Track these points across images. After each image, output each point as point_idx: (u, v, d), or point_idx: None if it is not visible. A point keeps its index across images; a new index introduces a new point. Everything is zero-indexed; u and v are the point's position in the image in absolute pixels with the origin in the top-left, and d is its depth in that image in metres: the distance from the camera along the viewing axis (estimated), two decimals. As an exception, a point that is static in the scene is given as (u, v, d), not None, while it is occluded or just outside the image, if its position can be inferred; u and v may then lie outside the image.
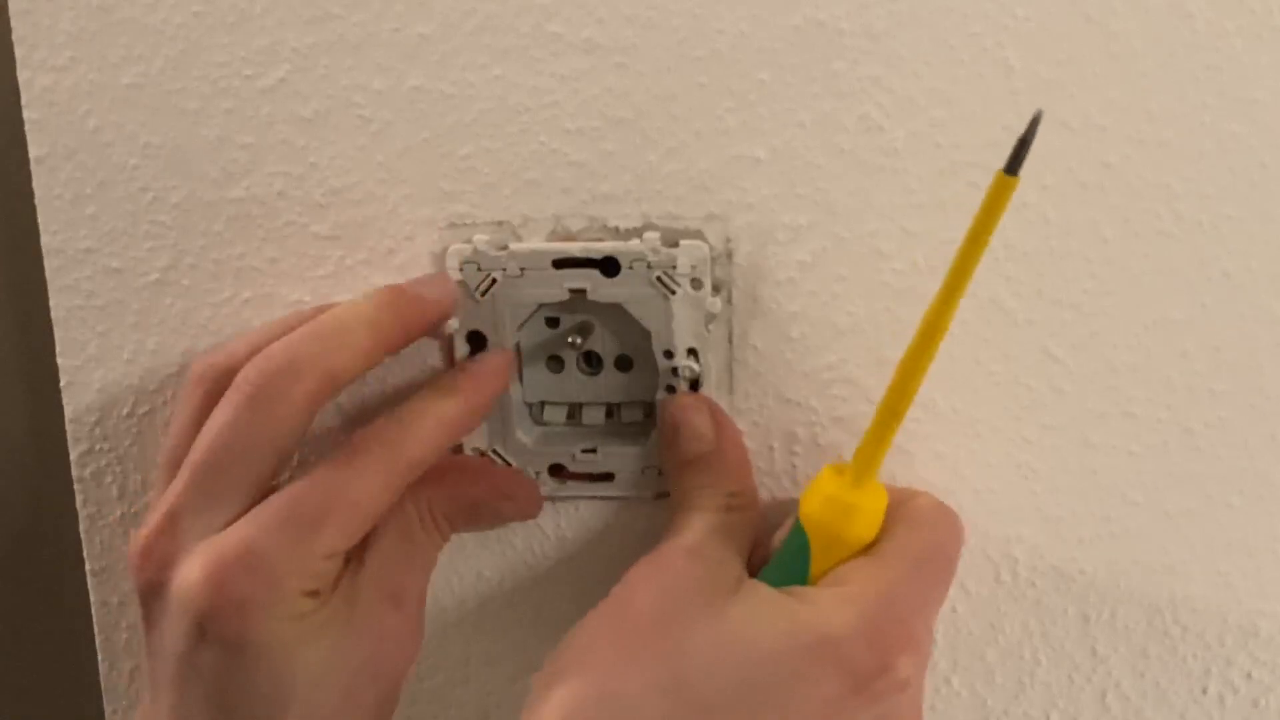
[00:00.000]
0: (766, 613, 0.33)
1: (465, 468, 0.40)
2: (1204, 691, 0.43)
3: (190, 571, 0.33)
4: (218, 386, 0.36)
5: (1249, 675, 0.42)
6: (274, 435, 0.34)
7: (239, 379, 0.34)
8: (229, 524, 0.34)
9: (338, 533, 0.34)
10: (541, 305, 0.39)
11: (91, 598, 0.44)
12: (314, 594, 0.34)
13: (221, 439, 0.34)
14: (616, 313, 0.39)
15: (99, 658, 0.45)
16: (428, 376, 0.41)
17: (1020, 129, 0.30)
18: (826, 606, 0.33)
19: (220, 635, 0.33)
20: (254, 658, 0.33)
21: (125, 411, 0.42)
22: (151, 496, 0.39)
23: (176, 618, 0.34)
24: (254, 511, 0.34)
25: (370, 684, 0.36)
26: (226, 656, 0.33)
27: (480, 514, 0.40)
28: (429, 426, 0.36)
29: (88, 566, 0.44)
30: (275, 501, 0.34)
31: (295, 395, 0.34)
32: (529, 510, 0.41)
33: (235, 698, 0.34)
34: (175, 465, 0.36)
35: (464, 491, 0.39)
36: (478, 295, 0.39)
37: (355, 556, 0.36)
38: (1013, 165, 0.31)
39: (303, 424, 0.34)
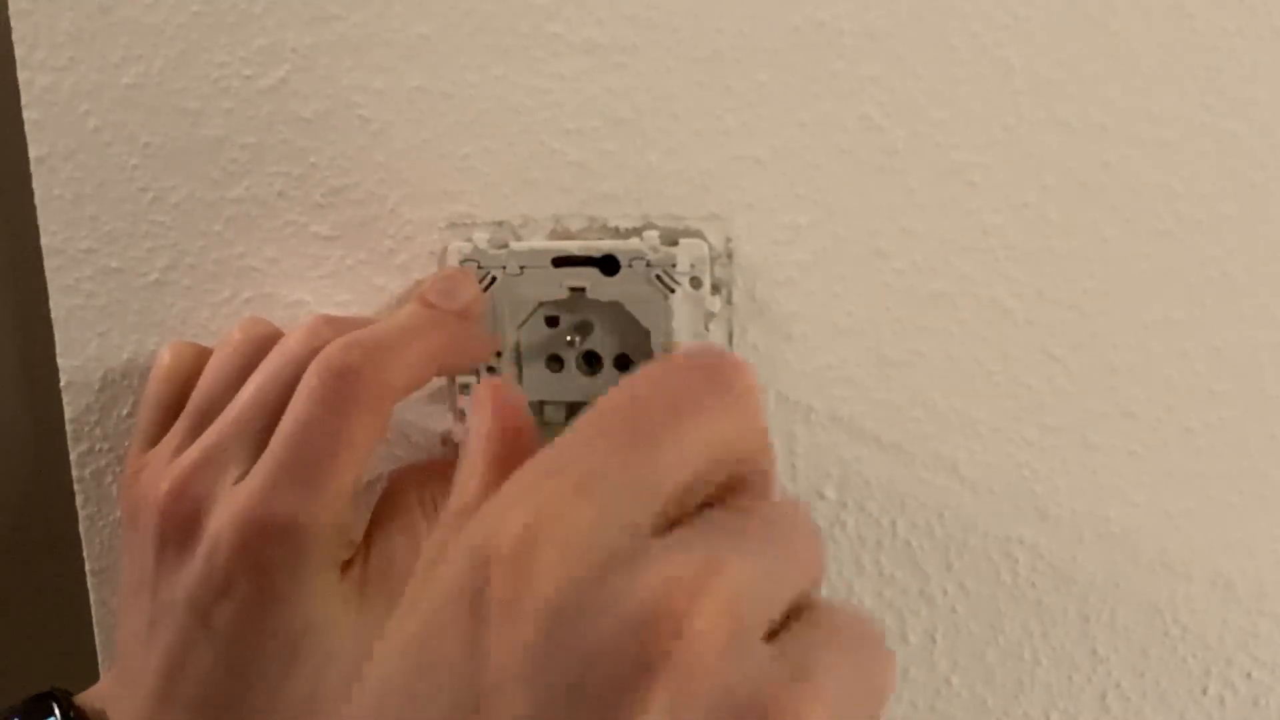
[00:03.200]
0: None
1: (455, 464, 0.40)
2: (1204, 691, 0.43)
3: (222, 531, 0.33)
4: (260, 350, 0.36)
5: (1249, 675, 0.42)
6: (348, 419, 0.34)
7: (330, 352, 0.34)
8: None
9: (348, 473, 0.34)
10: (541, 304, 0.39)
11: (91, 597, 0.44)
12: (343, 553, 0.34)
13: (274, 388, 0.34)
14: (616, 311, 0.39)
15: (99, 657, 0.45)
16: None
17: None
18: None
19: (246, 593, 0.33)
20: (276, 619, 0.33)
21: (125, 411, 0.42)
22: (136, 439, 0.38)
23: (200, 568, 0.33)
24: (264, 461, 0.34)
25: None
26: (248, 615, 0.33)
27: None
28: (419, 354, 0.35)
29: (88, 566, 0.44)
30: (282, 449, 0.33)
31: (378, 385, 0.34)
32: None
33: (247, 659, 0.33)
34: (204, 415, 0.36)
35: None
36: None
37: (361, 549, 0.36)
38: None
39: (378, 425, 0.34)
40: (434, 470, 0.38)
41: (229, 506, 0.33)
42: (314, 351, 0.35)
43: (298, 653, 0.34)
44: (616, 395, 0.25)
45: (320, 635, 0.34)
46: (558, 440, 0.24)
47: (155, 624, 0.35)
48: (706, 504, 0.25)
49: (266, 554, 0.33)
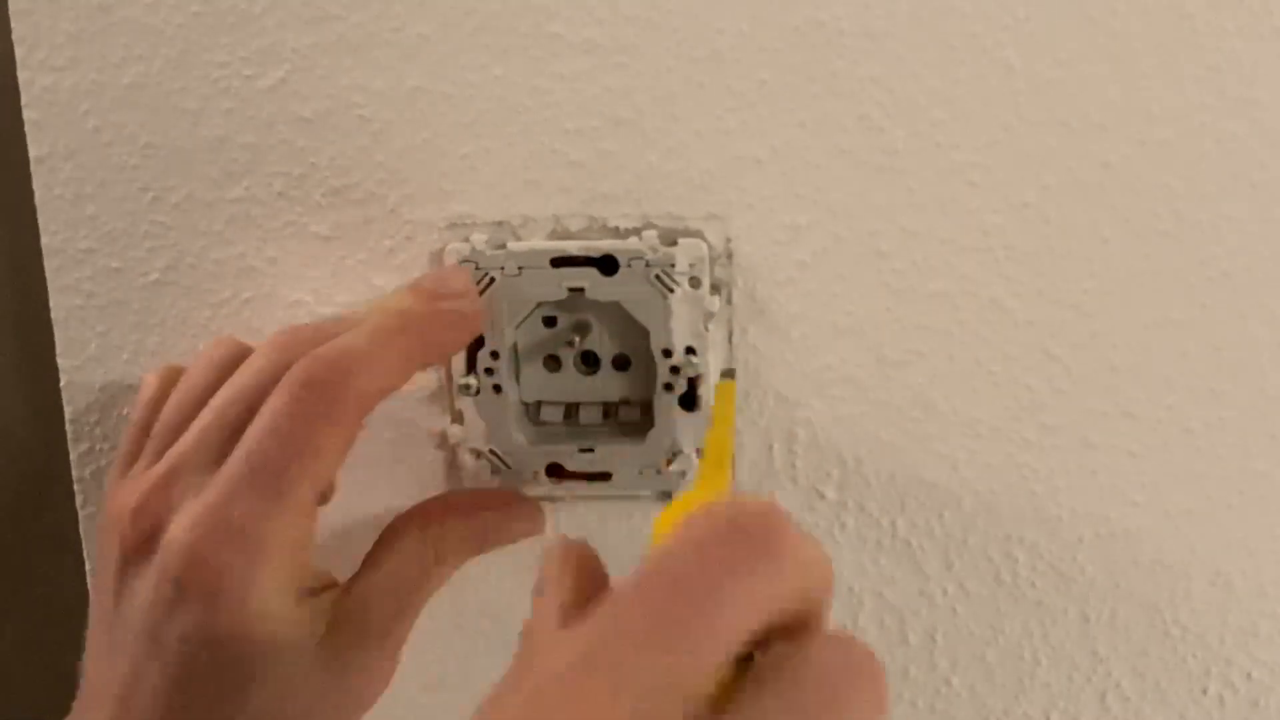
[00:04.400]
0: None
1: (467, 497, 0.40)
2: (1204, 691, 0.43)
3: (175, 536, 0.32)
4: (227, 369, 0.36)
5: (1249, 675, 0.42)
6: (316, 430, 0.33)
7: (298, 366, 0.33)
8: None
9: (308, 482, 0.33)
10: (540, 304, 0.39)
11: (91, 598, 0.44)
12: (301, 566, 0.33)
13: (239, 403, 0.34)
14: (615, 311, 0.39)
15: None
16: (425, 376, 0.41)
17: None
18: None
19: (199, 602, 0.32)
20: (228, 631, 0.32)
21: (125, 411, 0.42)
22: (115, 464, 0.38)
23: (154, 580, 0.33)
24: (225, 468, 0.33)
25: (333, 707, 0.35)
26: (200, 627, 0.32)
27: (491, 539, 0.40)
28: (392, 354, 0.35)
29: (88, 566, 0.44)
30: (242, 458, 0.33)
31: (346, 397, 0.33)
32: (538, 524, 0.41)
33: (200, 675, 0.33)
34: (172, 433, 0.36)
35: (474, 522, 0.39)
36: (478, 293, 0.39)
37: (348, 586, 0.36)
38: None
39: (345, 435, 0.34)
40: (437, 510, 0.38)
41: (185, 515, 0.33)
42: (278, 365, 0.34)
43: (253, 673, 0.33)
44: (655, 573, 0.24)
45: (279, 657, 0.33)
46: (599, 619, 0.24)
47: (114, 645, 0.34)
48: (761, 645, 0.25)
49: (219, 559, 0.32)
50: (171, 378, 0.39)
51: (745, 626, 0.24)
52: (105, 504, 0.36)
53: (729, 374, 0.39)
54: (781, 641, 0.25)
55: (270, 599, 0.33)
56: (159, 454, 0.36)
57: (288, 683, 0.33)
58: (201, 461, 0.34)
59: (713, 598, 0.24)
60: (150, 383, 0.39)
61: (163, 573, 0.33)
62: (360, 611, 0.36)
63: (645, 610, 0.24)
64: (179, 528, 0.33)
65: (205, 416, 0.35)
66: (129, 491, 0.35)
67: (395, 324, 0.35)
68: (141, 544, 0.34)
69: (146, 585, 0.33)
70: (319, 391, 0.33)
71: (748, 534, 0.25)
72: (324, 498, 0.36)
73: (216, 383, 0.36)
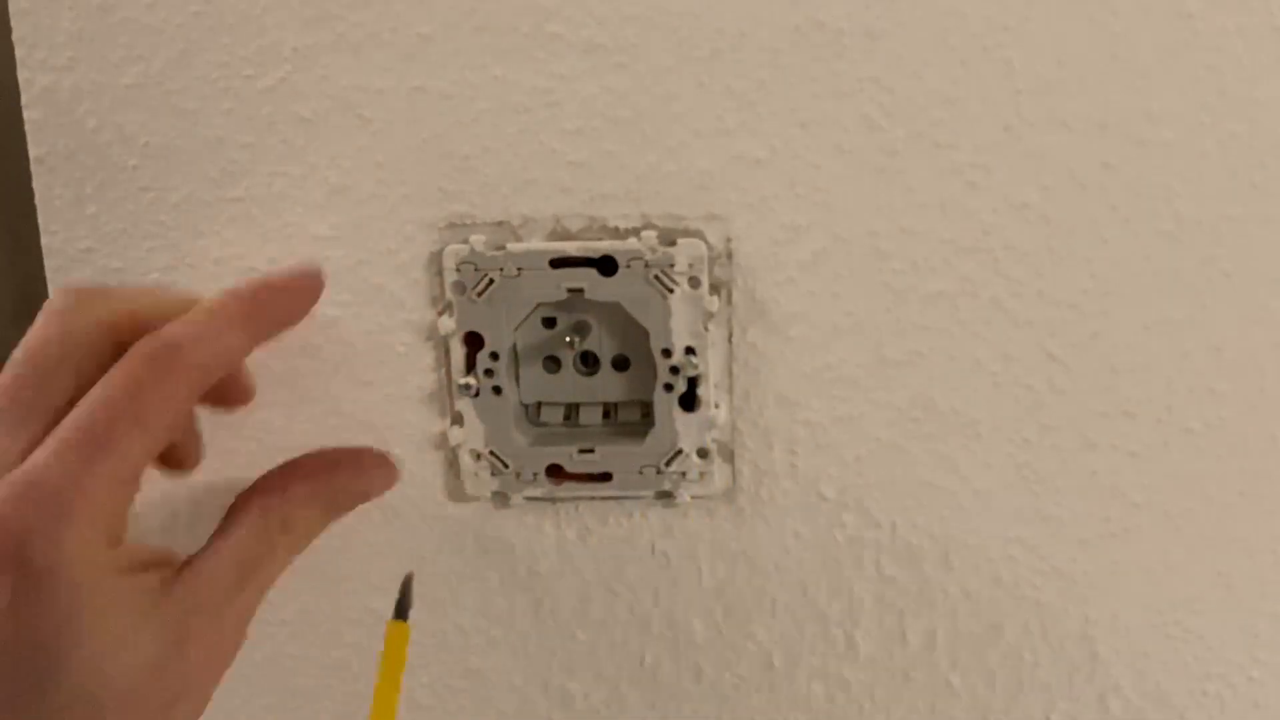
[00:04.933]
0: None
1: (321, 457, 0.38)
2: (1204, 692, 0.43)
3: None
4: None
5: (1249, 675, 0.42)
6: (147, 403, 0.33)
7: (135, 351, 0.33)
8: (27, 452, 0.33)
9: (127, 453, 0.32)
10: (539, 305, 0.39)
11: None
12: (112, 537, 0.33)
13: (30, 363, 0.33)
14: (614, 312, 0.39)
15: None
16: (424, 377, 0.41)
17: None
18: None
19: (8, 564, 0.31)
20: (40, 593, 0.31)
21: (125, 411, 0.42)
22: None
23: None
24: (48, 438, 0.32)
25: (165, 684, 0.33)
26: (14, 591, 0.31)
27: (342, 500, 0.38)
28: (223, 324, 0.34)
29: None
30: (64, 426, 0.32)
31: (176, 369, 0.33)
32: (390, 478, 0.39)
33: (17, 640, 0.31)
34: None
35: (319, 485, 0.37)
36: (474, 295, 0.39)
37: (189, 559, 0.35)
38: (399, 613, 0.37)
39: (172, 406, 0.33)
40: (280, 478, 0.37)
41: None
42: (67, 325, 0.34)
43: (69, 641, 0.31)
44: None
45: (96, 625, 0.32)
46: None
47: None
48: None
49: (24, 520, 0.31)
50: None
51: None
52: None
53: (400, 615, 0.38)
54: None
55: (79, 564, 0.32)
56: None
57: (111, 652, 0.32)
58: (5, 419, 0.33)
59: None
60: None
61: None
62: (198, 583, 0.34)
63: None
64: None
65: (6, 372, 0.34)
66: None
67: (226, 300, 0.35)
68: None
69: None
70: (149, 363, 0.33)
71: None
72: (179, 465, 0.37)
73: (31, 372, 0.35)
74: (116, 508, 0.33)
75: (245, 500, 0.37)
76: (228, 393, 0.38)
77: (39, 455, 0.32)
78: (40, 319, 0.34)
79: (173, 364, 0.33)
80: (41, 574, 0.31)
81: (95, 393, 0.33)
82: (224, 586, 0.35)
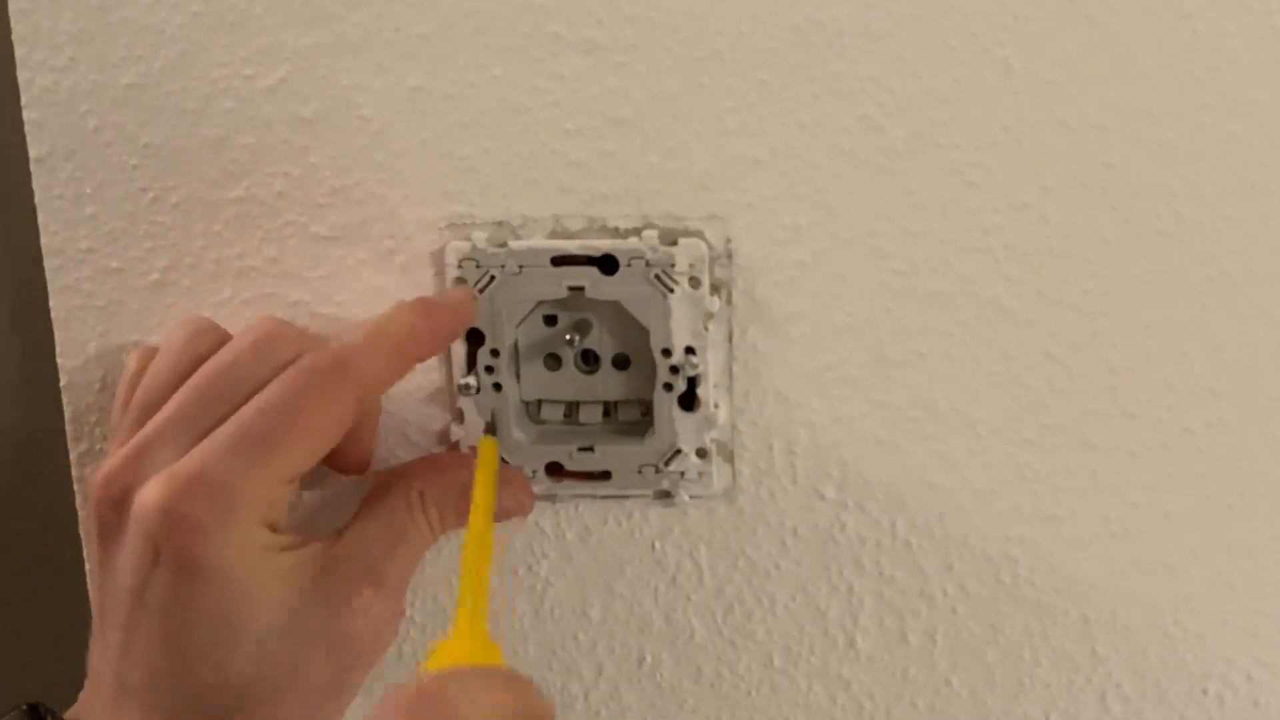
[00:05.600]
0: None
1: (456, 458, 0.40)
2: (1204, 692, 0.43)
3: (147, 495, 0.33)
4: (202, 348, 0.36)
5: (1249, 675, 0.42)
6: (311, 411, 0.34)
7: (305, 363, 0.35)
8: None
9: (292, 455, 0.34)
10: (540, 303, 0.39)
11: (91, 598, 0.44)
12: (272, 526, 0.34)
13: (218, 383, 0.35)
14: (615, 311, 0.39)
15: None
16: (427, 375, 0.41)
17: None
18: None
19: (174, 557, 0.32)
20: (205, 583, 0.33)
21: (125, 411, 0.42)
22: (109, 445, 0.39)
23: (131, 543, 0.33)
24: (209, 437, 0.34)
25: (331, 653, 0.35)
26: (178, 582, 0.33)
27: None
28: (386, 347, 0.36)
29: (88, 566, 0.44)
30: (229, 426, 0.34)
31: (344, 383, 0.35)
32: (523, 501, 0.40)
33: (184, 631, 0.33)
34: (145, 412, 0.36)
35: (455, 477, 0.38)
36: (476, 292, 0.39)
37: (336, 535, 0.36)
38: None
39: (337, 420, 0.35)
40: (424, 467, 0.38)
41: (156, 478, 0.33)
42: (261, 350, 0.35)
43: (233, 625, 0.33)
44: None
45: (258, 608, 0.33)
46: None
47: (104, 618, 0.34)
48: None
49: (191, 513, 0.32)
50: (152, 358, 0.39)
51: None
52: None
53: (490, 429, 0.40)
54: None
55: (247, 552, 0.33)
56: (134, 431, 0.36)
57: (276, 628, 0.34)
58: (175, 434, 0.34)
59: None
60: (131, 363, 0.39)
61: (136, 533, 0.33)
62: (350, 554, 0.36)
63: None
64: (149, 488, 0.33)
65: (182, 393, 0.35)
66: (101, 468, 0.35)
67: (391, 322, 0.37)
68: (115, 512, 0.34)
69: (125, 551, 0.33)
70: (317, 376, 0.34)
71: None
72: (348, 467, 0.38)
73: (190, 361, 0.36)
74: (277, 503, 0.34)
75: (388, 478, 0.39)
76: (349, 460, 0.38)
77: (203, 452, 0.33)
78: (237, 341, 0.36)
79: (337, 378, 0.35)
80: (209, 561, 0.33)
81: (261, 398, 0.34)
82: (377, 556, 0.36)
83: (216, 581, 0.33)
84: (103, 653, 0.35)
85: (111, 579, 0.34)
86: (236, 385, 0.34)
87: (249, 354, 0.35)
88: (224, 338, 0.37)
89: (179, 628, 0.33)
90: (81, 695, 0.35)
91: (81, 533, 0.44)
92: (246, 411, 0.34)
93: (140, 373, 0.38)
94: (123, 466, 0.34)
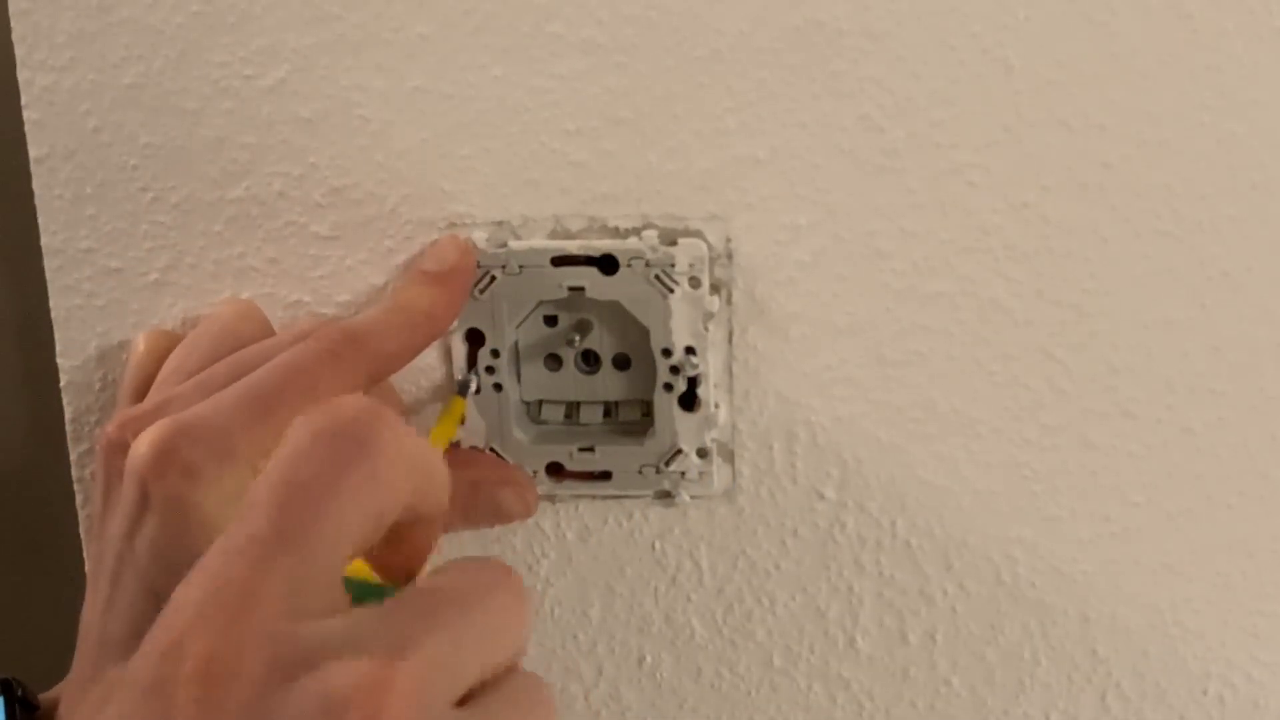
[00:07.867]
0: None
1: (461, 455, 0.40)
2: (1204, 692, 0.43)
3: (143, 436, 0.32)
4: (235, 338, 0.37)
5: (1249, 675, 0.42)
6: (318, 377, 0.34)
7: (320, 332, 0.35)
8: None
9: (290, 417, 0.33)
10: (540, 303, 0.39)
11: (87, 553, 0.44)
12: None
13: (241, 369, 0.34)
14: (615, 311, 0.39)
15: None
16: (427, 375, 0.41)
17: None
18: None
19: (163, 500, 0.31)
20: (192, 530, 0.31)
21: (125, 411, 0.42)
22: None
23: (125, 488, 0.32)
24: (215, 394, 0.33)
25: None
26: (165, 527, 0.31)
27: (477, 503, 0.39)
28: (399, 323, 0.36)
29: (88, 566, 0.44)
30: (237, 384, 0.33)
31: (358, 352, 0.35)
32: (527, 501, 0.40)
33: (167, 580, 0.30)
34: (178, 372, 0.36)
35: (460, 475, 0.38)
36: (476, 293, 0.39)
37: None
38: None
39: (343, 384, 0.34)
40: None
41: (160, 421, 0.32)
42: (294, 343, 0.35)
43: None
44: (263, 489, 0.25)
45: None
46: (221, 542, 0.25)
47: (96, 571, 0.33)
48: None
49: (185, 454, 0.31)
50: (162, 342, 0.39)
51: (350, 524, 0.24)
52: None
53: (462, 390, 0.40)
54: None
55: (236, 498, 0.31)
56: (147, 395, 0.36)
57: None
58: (197, 396, 0.34)
59: (312, 499, 0.24)
60: (139, 345, 0.39)
61: (130, 475, 0.32)
62: None
63: (260, 515, 0.24)
64: (146, 431, 0.32)
65: (204, 375, 0.35)
66: (115, 417, 0.34)
67: (400, 298, 0.37)
68: (115, 461, 0.33)
69: (120, 501, 0.33)
70: (329, 342, 0.35)
71: (344, 436, 0.25)
72: None
73: (232, 342, 0.36)
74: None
75: None
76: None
77: (206, 405, 0.33)
78: (283, 335, 0.36)
79: (349, 350, 0.35)
80: (194, 514, 0.31)
81: (271, 363, 0.34)
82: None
83: (204, 530, 0.31)
84: (90, 609, 0.33)
85: (107, 528, 0.33)
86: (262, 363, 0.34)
87: (279, 347, 0.35)
88: (267, 328, 0.38)
89: (162, 575, 0.31)
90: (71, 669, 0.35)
91: (82, 533, 0.44)
92: (252, 375, 0.34)
93: (149, 354, 0.38)
94: (132, 419, 0.33)
